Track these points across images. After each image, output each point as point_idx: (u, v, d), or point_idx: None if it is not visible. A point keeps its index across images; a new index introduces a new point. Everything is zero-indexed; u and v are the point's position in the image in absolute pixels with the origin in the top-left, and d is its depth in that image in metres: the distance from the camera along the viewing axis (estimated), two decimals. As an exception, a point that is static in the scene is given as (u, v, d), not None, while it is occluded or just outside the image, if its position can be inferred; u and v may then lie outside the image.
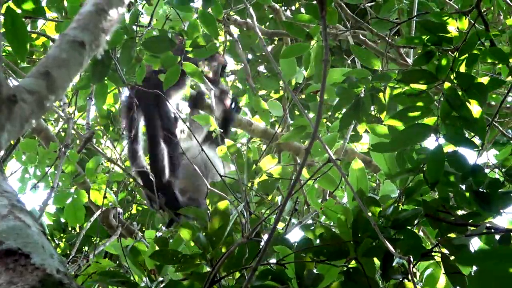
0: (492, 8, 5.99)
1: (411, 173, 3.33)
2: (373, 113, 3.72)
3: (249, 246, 3.29)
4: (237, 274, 3.35)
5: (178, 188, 6.31)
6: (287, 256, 3.25)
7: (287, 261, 3.23)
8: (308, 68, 4.09)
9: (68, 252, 7.01)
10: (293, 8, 8.34)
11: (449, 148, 3.35)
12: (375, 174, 6.64)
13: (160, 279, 3.47)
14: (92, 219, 5.43)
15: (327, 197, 5.95)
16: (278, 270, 3.29)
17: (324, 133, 4.91)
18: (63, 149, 4.36)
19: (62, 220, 7.29)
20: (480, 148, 3.26)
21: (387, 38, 4.80)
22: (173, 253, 3.27)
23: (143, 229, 6.44)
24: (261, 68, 8.51)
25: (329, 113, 5.79)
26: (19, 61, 5.93)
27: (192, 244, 3.51)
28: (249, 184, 4.54)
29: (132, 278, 3.34)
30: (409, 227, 3.20)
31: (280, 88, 8.21)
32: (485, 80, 3.34)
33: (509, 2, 5.67)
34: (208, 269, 3.29)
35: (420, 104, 3.38)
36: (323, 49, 2.76)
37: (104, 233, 6.31)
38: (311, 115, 7.23)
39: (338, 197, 5.59)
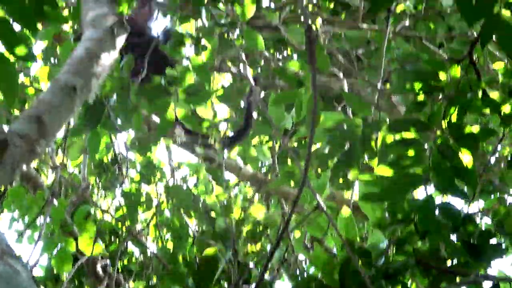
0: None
1: (402, 224, 3.30)
2: (364, 161, 3.70)
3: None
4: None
5: None
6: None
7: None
8: (300, 115, 4.05)
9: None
10: (285, 54, 8.36)
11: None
12: (364, 222, 6.59)
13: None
14: (76, 264, 5.35)
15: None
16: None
17: (314, 179, 4.85)
18: (50, 197, 4.33)
19: (55, 270, 7.15)
20: (471, 198, 3.24)
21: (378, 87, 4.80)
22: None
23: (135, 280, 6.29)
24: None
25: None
26: (10, 109, 5.94)
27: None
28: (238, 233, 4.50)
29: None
30: (400, 278, 3.17)
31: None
32: (476, 129, 3.33)
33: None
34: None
35: (411, 153, 3.36)
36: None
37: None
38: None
39: (326, 243, 5.53)
